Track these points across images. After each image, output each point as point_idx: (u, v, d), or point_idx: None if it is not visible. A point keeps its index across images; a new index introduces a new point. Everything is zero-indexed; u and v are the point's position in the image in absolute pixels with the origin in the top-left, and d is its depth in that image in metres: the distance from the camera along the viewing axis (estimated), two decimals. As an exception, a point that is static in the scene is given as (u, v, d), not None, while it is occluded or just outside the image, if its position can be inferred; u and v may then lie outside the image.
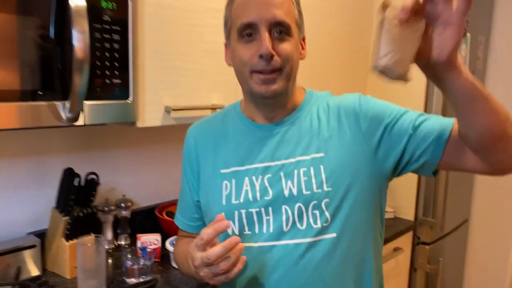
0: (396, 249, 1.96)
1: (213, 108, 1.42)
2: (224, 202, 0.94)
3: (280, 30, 0.87)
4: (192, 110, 1.36)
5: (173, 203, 1.69)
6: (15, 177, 1.36)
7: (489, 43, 2.37)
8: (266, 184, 0.92)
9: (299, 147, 0.92)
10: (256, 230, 0.92)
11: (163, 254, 1.47)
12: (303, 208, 0.90)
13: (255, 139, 0.96)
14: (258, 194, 0.92)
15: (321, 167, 0.89)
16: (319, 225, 0.89)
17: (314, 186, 0.89)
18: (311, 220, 0.89)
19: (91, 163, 1.51)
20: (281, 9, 0.86)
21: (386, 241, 1.87)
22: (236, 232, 0.92)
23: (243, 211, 0.92)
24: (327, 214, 0.89)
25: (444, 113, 2.02)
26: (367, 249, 0.94)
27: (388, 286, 1.88)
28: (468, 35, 2.06)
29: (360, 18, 2.06)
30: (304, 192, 0.89)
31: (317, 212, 0.89)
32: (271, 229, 0.91)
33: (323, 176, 0.89)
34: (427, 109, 2.05)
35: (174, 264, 1.43)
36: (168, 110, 1.30)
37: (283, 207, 0.90)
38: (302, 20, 0.93)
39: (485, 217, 2.49)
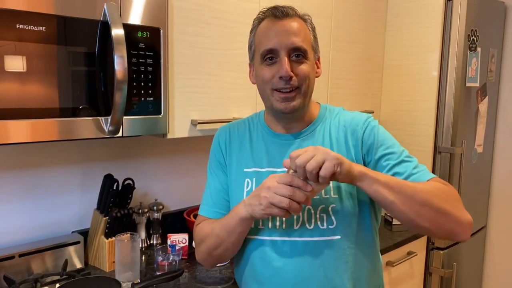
0: (409, 253, 2.06)
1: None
2: (245, 196, 1.06)
3: (298, 54, 1.01)
4: (215, 123, 1.53)
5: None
6: (63, 182, 1.56)
7: (502, 56, 2.45)
8: None
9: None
10: (270, 226, 1.05)
11: (190, 253, 1.63)
12: (312, 211, 1.03)
13: (274, 146, 1.09)
14: None
15: None
16: (325, 227, 1.02)
17: (323, 192, 1.02)
18: (318, 222, 1.02)
19: (128, 170, 1.70)
20: (298, 36, 1.00)
21: (400, 244, 1.97)
22: (251, 225, 1.04)
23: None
24: (333, 218, 1.02)
25: (456, 110, 2.11)
26: (366, 250, 1.07)
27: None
28: (479, 49, 2.16)
29: (374, 37, 2.20)
30: (315, 196, 1.01)
31: (324, 215, 1.02)
32: (284, 226, 1.04)
33: (331, 184, 1.02)
34: (439, 106, 2.14)
35: (199, 261, 1.59)
36: (194, 123, 1.48)
37: None
38: (317, 43, 1.07)
39: (504, 224, 2.53)
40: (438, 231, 0.94)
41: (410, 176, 0.99)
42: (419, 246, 2.13)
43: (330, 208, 1.02)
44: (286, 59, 0.99)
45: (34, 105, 1.10)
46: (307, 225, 1.03)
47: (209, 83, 1.52)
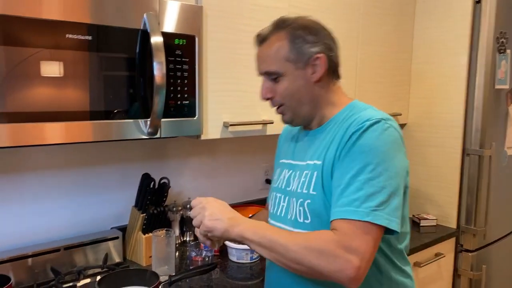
0: (437, 254, 2.07)
1: (263, 123, 1.65)
2: (273, 183, 1.21)
3: (271, 76, 1.08)
4: (245, 125, 1.59)
5: (231, 206, 1.92)
6: (104, 181, 1.66)
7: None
8: (290, 177, 1.12)
9: (313, 152, 1.07)
10: (272, 211, 1.17)
11: (222, 249, 1.70)
12: (294, 202, 1.07)
13: (297, 141, 1.19)
14: (284, 184, 1.14)
15: (315, 173, 1.03)
16: (302, 220, 1.05)
17: (305, 186, 1.05)
18: (297, 215, 1.06)
19: (163, 169, 1.79)
20: (266, 61, 1.07)
21: (427, 245, 1.98)
22: (270, 209, 1.19)
23: (274, 193, 1.17)
24: (308, 214, 1.03)
25: (485, 112, 2.11)
26: None
27: (430, 289, 2.00)
28: (508, 51, 2.15)
29: (402, 40, 2.22)
30: (298, 190, 1.06)
31: (301, 209, 1.05)
32: (278, 212, 1.14)
33: (314, 180, 1.03)
34: (467, 108, 2.15)
35: (231, 257, 1.66)
36: (226, 125, 1.55)
37: (288, 198, 1.11)
38: (301, 51, 1.04)
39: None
40: (320, 278, 0.94)
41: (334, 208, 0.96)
42: (447, 247, 2.14)
43: (306, 204, 1.04)
44: (264, 83, 1.09)
45: (78, 108, 1.19)
46: (288, 215, 1.10)
47: (240, 87, 1.59)
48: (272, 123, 1.64)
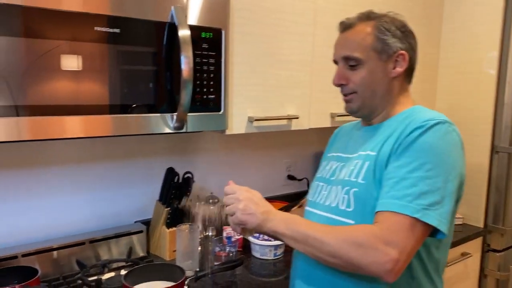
0: (464, 254, 2.02)
1: (288, 118, 1.63)
2: (317, 174, 1.21)
3: (350, 63, 1.06)
4: (270, 120, 1.57)
5: (253, 201, 1.91)
6: (127, 174, 1.66)
7: None
8: (337, 168, 1.12)
9: (368, 145, 1.06)
10: (311, 198, 1.16)
11: (245, 245, 1.69)
12: (339, 189, 1.06)
13: (352, 137, 1.17)
14: (328, 174, 1.13)
15: (367, 163, 1.02)
16: (343, 208, 1.03)
17: (353, 175, 1.03)
18: (339, 202, 1.04)
19: (185, 164, 1.78)
20: (349, 47, 1.06)
21: (454, 245, 1.94)
22: (309, 197, 1.18)
23: (316, 183, 1.17)
24: (352, 202, 1.02)
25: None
26: None
27: (457, 289, 1.96)
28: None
29: (429, 35, 2.17)
30: (345, 178, 1.05)
31: (346, 196, 1.03)
32: (318, 199, 1.13)
33: (364, 169, 1.02)
34: (497, 105, 2.09)
35: (254, 253, 1.65)
36: (251, 120, 1.53)
37: (331, 187, 1.10)
38: (387, 43, 1.04)
39: None
40: (357, 272, 0.93)
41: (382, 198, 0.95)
42: (474, 247, 2.09)
43: (352, 192, 1.03)
44: (339, 68, 1.09)
45: (106, 102, 1.18)
46: (328, 202, 1.08)
47: (266, 81, 1.56)
48: (297, 118, 1.62)
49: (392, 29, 1.05)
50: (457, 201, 0.99)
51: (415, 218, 0.88)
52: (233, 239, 1.62)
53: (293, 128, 1.66)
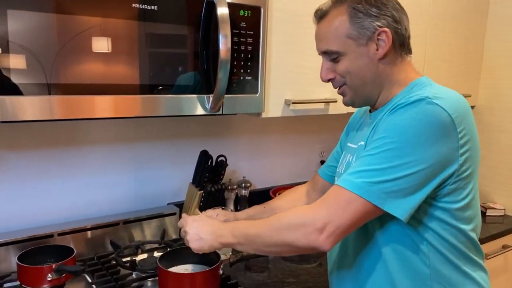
0: (504, 247, 1.94)
1: (326, 102, 1.57)
2: (337, 167, 1.16)
3: (331, 56, 1.00)
4: (308, 103, 1.52)
5: (285, 187, 1.87)
6: (160, 156, 1.65)
7: None
8: (349, 161, 1.07)
9: (364, 134, 1.03)
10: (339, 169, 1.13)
11: (277, 230, 1.66)
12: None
13: (362, 123, 1.13)
14: (343, 169, 1.08)
15: (355, 155, 1.01)
16: None
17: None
18: None
19: (218, 146, 1.76)
20: (325, 40, 1.00)
21: (494, 237, 1.86)
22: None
23: (336, 178, 1.13)
24: None
25: None
26: (389, 243, 0.97)
27: (497, 282, 1.89)
28: None
29: (476, 14, 2.05)
30: (343, 173, 1.01)
31: None
32: (341, 169, 1.10)
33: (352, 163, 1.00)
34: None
35: (287, 239, 1.61)
36: (288, 103, 1.48)
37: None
38: (363, 26, 0.95)
39: None
40: (297, 253, 0.99)
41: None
42: (515, 239, 2.00)
43: None
44: (324, 63, 1.04)
45: (142, 81, 1.15)
46: None
47: (304, 63, 1.51)
48: (336, 102, 1.56)
49: (365, 8, 0.95)
50: (442, 186, 0.91)
51: (353, 193, 0.87)
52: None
53: (330, 112, 1.60)
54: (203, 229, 1.04)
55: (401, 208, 0.87)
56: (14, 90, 0.99)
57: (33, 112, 1.01)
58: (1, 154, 1.35)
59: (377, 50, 0.96)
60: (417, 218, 0.92)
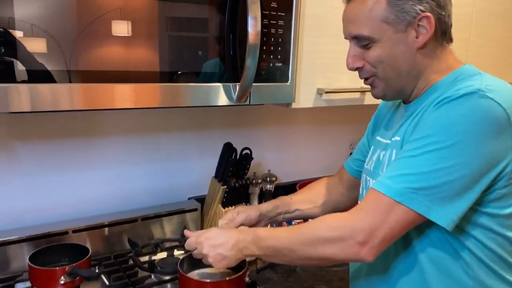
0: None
1: (362, 91, 1.44)
2: (366, 163, 1.04)
3: (361, 42, 0.88)
4: (342, 92, 1.39)
5: (312, 181, 1.74)
6: (181, 148, 1.54)
7: None
8: (379, 158, 0.96)
9: (397, 129, 0.92)
10: (364, 195, 1.00)
11: (305, 229, 1.55)
12: (370, 185, 0.94)
13: (393, 113, 1.01)
14: (373, 165, 0.98)
15: (394, 151, 0.89)
16: None
17: (382, 168, 0.91)
18: None
19: (243, 139, 1.64)
20: (355, 23, 0.87)
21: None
22: (360, 191, 1.05)
23: (364, 175, 1.02)
24: None
25: None
26: (428, 253, 0.87)
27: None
28: None
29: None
30: (379, 172, 0.92)
31: None
32: (370, 167, 1.00)
33: (390, 161, 0.89)
34: None
35: (316, 239, 1.50)
36: (320, 92, 1.35)
37: (370, 180, 0.98)
38: (403, 9, 0.83)
39: None
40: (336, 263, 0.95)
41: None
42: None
43: None
44: (351, 49, 0.91)
45: (159, 69, 1.04)
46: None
47: (339, 48, 1.36)
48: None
49: None
50: (491, 190, 0.80)
51: (395, 200, 0.78)
52: (293, 223, 1.48)
53: (365, 102, 1.46)
54: (222, 247, 0.93)
55: (448, 217, 0.78)
56: (33, 77, 0.90)
57: (52, 101, 0.93)
58: (11, 145, 1.26)
59: (417, 37, 0.85)
60: (459, 224, 0.81)
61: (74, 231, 1.30)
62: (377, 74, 0.89)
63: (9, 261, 1.21)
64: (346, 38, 0.92)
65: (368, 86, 0.94)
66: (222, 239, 0.94)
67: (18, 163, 1.27)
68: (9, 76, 0.87)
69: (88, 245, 1.32)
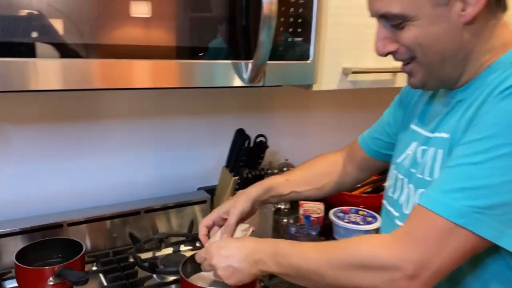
0: None
1: (393, 71, 1.26)
2: (396, 154, 0.88)
3: (391, 22, 0.70)
4: (371, 73, 1.22)
5: (334, 171, 1.60)
6: (190, 134, 1.41)
7: None
8: (417, 153, 0.80)
9: (444, 121, 0.75)
10: (395, 197, 0.84)
11: (325, 224, 1.40)
12: (412, 192, 0.78)
13: (432, 97, 0.83)
14: (409, 161, 0.82)
15: (440, 151, 0.73)
16: None
17: (427, 170, 0.74)
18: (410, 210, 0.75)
19: (258, 124, 1.49)
20: None
21: None
22: (389, 192, 0.87)
23: (395, 172, 0.86)
24: None
25: None
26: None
27: None
28: None
29: None
30: (417, 174, 0.77)
31: None
32: (407, 206, 0.80)
33: (438, 162, 0.72)
34: None
35: (337, 237, 1.35)
36: (346, 72, 1.18)
37: (409, 184, 0.80)
38: None
39: None
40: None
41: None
42: None
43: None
44: (380, 30, 0.74)
45: (158, 43, 0.90)
46: (403, 208, 0.80)
47: (369, 21, 1.19)
48: (406, 71, 1.25)
49: None
50: None
51: (453, 222, 0.61)
52: (312, 218, 1.34)
53: (397, 85, 1.29)
54: (234, 257, 0.79)
55: None
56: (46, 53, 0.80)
57: (67, 79, 0.83)
58: (0, 128, 1.14)
59: (463, 10, 0.67)
60: None
61: (70, 224, 1.18)
62: (417, 58, 0.72)
63: (-3, 256, 1.11)
64: (372, 16, 0.76)
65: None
66: (234, 248, 0.80)
67: (8, 147, 1.16)
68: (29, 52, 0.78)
69: (87, 240, 1.21)
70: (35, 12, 0.77)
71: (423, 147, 0.78)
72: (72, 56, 0.82)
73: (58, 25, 0.80)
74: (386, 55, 0.75)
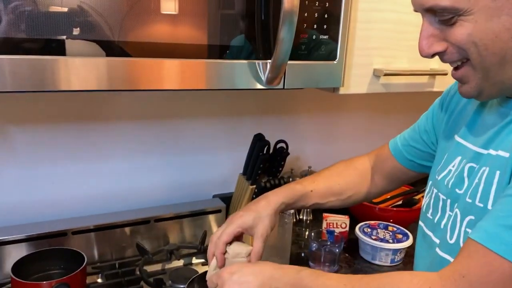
0: None
1: (431, 74, 1.14)
2: (435, 170, 0.79)
3: (440, 17, 0.61)
4: (406, 75, 1.10)
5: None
6: (206, 138, 1.32)
7: None
8: (464, 171, 0.70)
9: (501, 137, 0.65)
10: (435, 220, 0.75)
11: (350, 239, 1.28)
12: (458, 218, 0.68)
13: (483, 107, 0.72)
14: (452, 180, 0.72)
15: (497, 173, 0.63)
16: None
17: (479, 195, 0.64)
18: (460, 240, 0.67)
19: (278, 129, 1.40)
20: None
21: None
22: (429, 213, 0.78)
23: (435, 190, 0.76)
24: None
25: None
26: None
27: None
28: None
29: None
30: (466, 198, 0.67)
31: (470, 231, 0.62)
32: (448, 234, 0.70)
33: (494, 186, 0.62)
34: None
35: (363, 255, 1.24)
36: (377, 74, 1.06)
37: (454, 207, 0.71)
38: None
39: None
40: None
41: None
42: None
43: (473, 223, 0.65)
44: (425, 27, 0.64)
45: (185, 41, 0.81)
46: (448, 236, 0.70)
47: (404, 17, 1.06)
48: (446, 74, 1.12)
49: None
50: None
51: None
52: (336, 233, 1.22)
53: (435, 89, 1.16)
54: (248, 285, 0.70)
55: None
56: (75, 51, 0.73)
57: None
58: (5, 130, 1.08)
59: None
60: None
61: (74, 233, 1.11)
62: (472, 61, 0.61)
63: (-3, 264, 1.05)
64: (416, 10, 0.66)
65: (444, 68, 0.65)
66: (249, 274, 0.72)
67: (12, 151, 1.09)
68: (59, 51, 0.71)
69: (92, 249, 1.14)
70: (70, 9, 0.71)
71: (472, 164, 0.67)
72: (107, 55, 0.75)
73: (88, 22, 0.73)
74: (432, 56, 0.65)
